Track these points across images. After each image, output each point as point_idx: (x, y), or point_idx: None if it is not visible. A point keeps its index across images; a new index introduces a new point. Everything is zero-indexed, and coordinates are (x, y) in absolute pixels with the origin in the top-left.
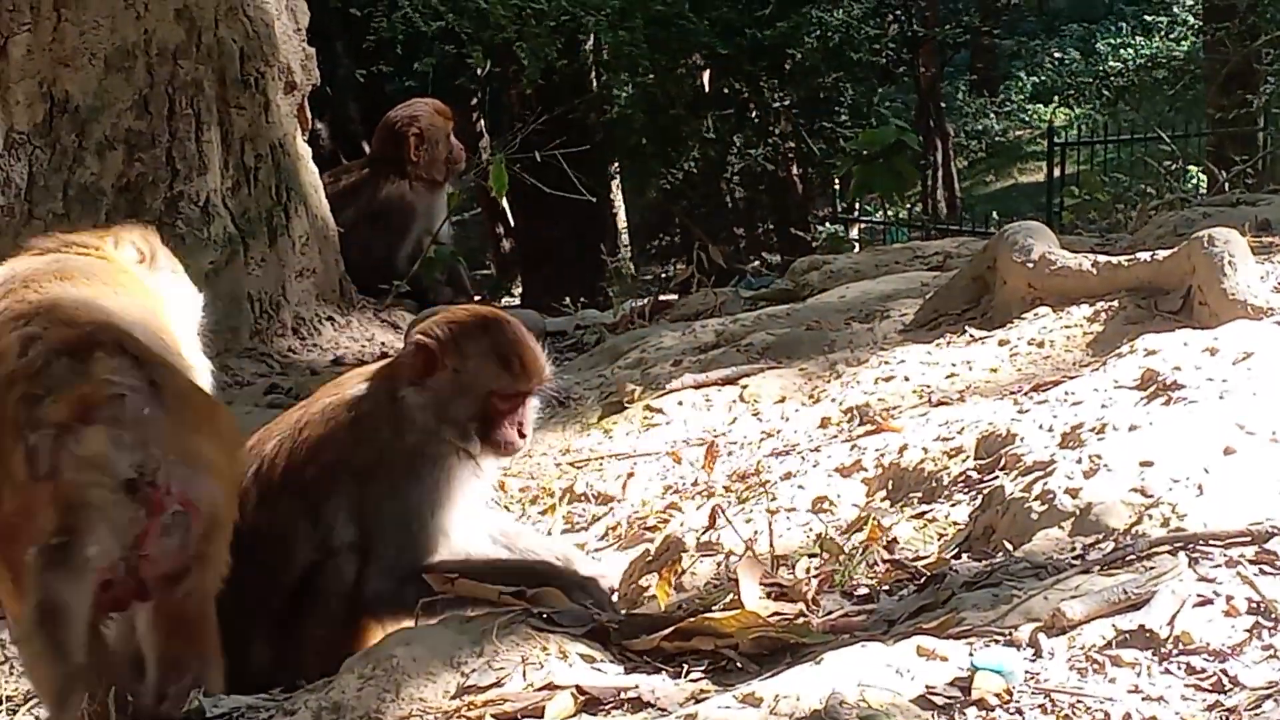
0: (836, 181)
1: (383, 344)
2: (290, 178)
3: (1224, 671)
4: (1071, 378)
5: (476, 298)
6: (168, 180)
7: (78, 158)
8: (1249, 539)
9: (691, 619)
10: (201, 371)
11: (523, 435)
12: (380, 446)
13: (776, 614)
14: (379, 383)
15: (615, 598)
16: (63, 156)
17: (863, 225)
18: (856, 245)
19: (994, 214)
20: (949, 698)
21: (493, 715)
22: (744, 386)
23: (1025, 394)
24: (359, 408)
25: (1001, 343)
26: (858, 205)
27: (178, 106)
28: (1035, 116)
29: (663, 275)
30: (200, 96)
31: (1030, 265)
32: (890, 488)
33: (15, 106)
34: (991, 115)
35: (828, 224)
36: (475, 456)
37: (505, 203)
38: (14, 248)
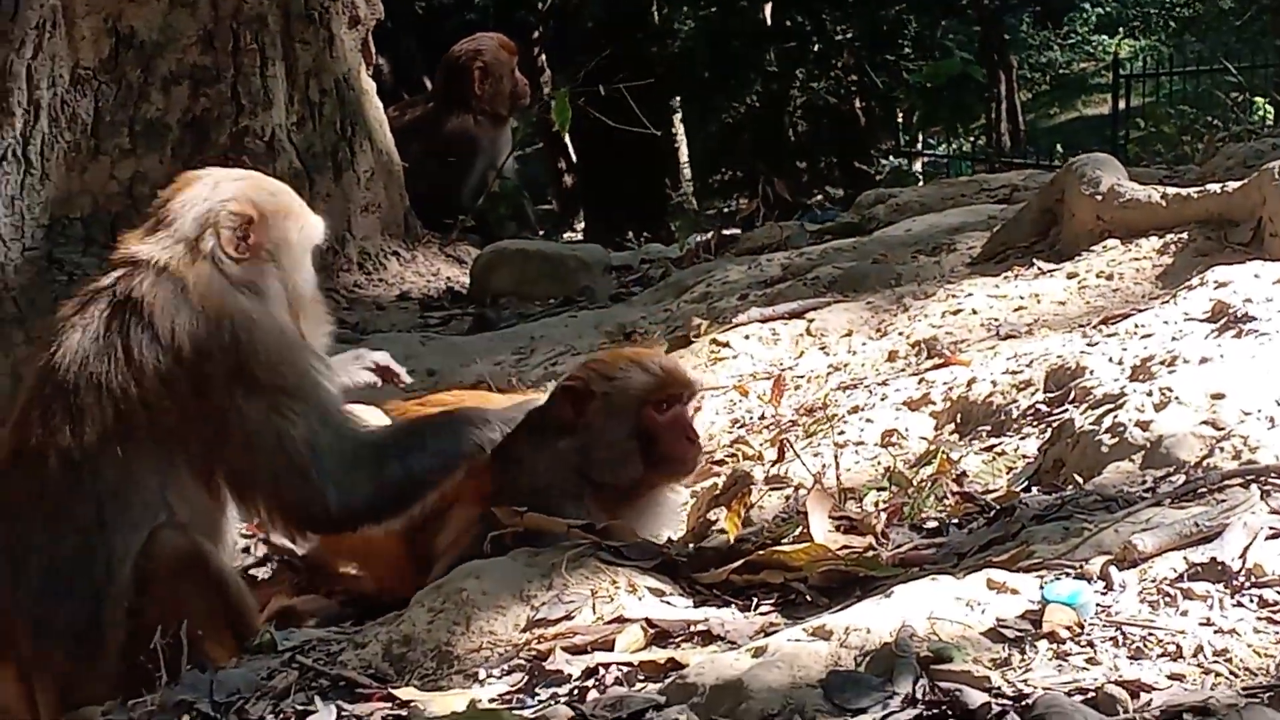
0: (899, 115)
1: (448, 278)
2: (355, 113)
3: None
4: (1141, 310)
5: (540, 233)
6: (233, 115)
7: (143, 93)
8: None
9: (760, 552)
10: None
11: (691, 440)
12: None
13: (845, 547)
14: (528, 428)
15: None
16: (128, 92)
17: (925, 159)
18: (920, 179)
19: (1058, 147)
20: (1020, 631)
21: (563, 648)
22: (810, 320)
23: (1094, 327)
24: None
25: (1070, 275)
26: (920, 138)
27: (242, 41)
28: (1100, 48)
29: (725, 210)
30: (265, 31)
31: (1099, 198)
32: (958, 421)
33: (81, 42)
34: (1055, 47)
35: (890, 157)
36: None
37: (567, 138)
38: (80, 183)
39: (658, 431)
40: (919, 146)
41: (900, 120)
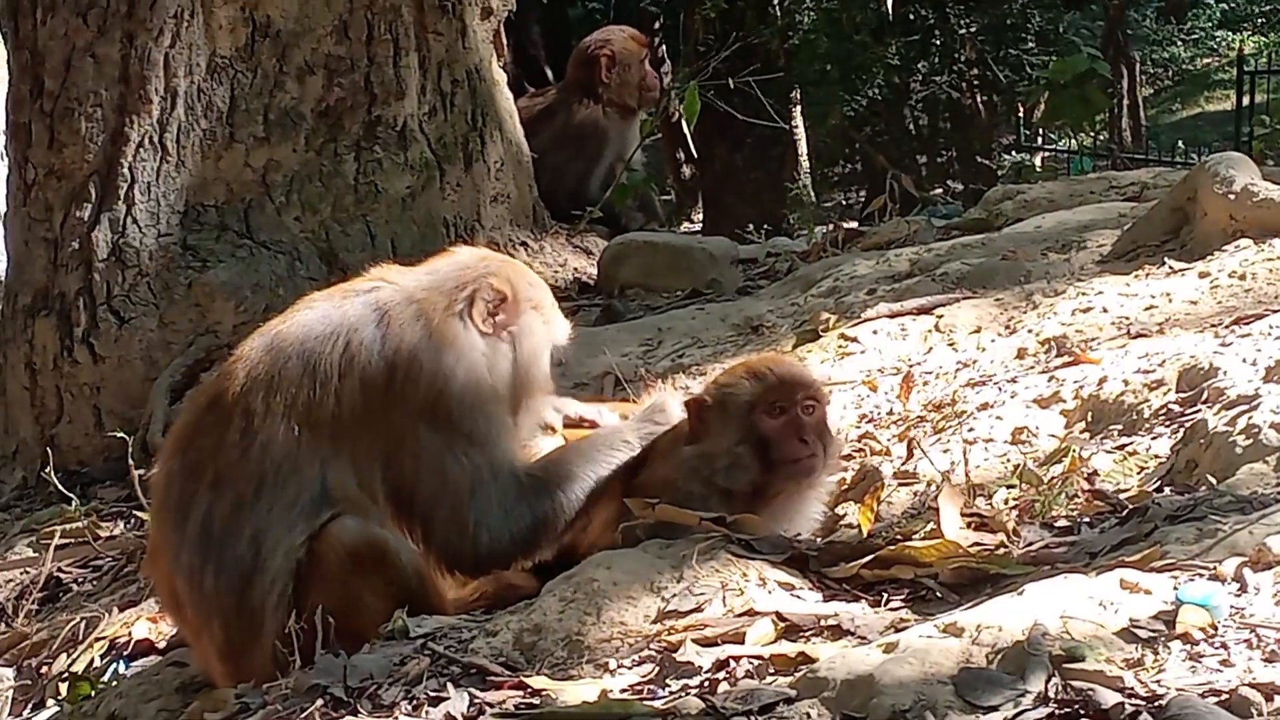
0: (1020, 109)
1: (575, 269)
2: (486, 103)
3: None
4: (1275, 311)
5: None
6: (366, 105)
7: (278, 82)
8: None
9: (891, 548)
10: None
11: (804, 441)
12: None
13: (976, 544)
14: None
15: None
16: (264, 80)
17: (1045, 154)
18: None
19: (1179, 144)
20: (1153, 631)
21: (693, 640)
22: (939, 316)
23: (1227, 327)
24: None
25: (1202, 275)
26: (1041, 134)
27: (376, 31)
28: (1223, 44)
29: (844, 202)
30: (399, 21)
31: (1232, 197)
32: (1089, 419)
33: (218, 31)
34: (1179, 42)
35: (1012, 152)
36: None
37: (687, 129)
38: (215, 171)
39: (769, 435)
40: (1039, 141)
41: (1020, 115)
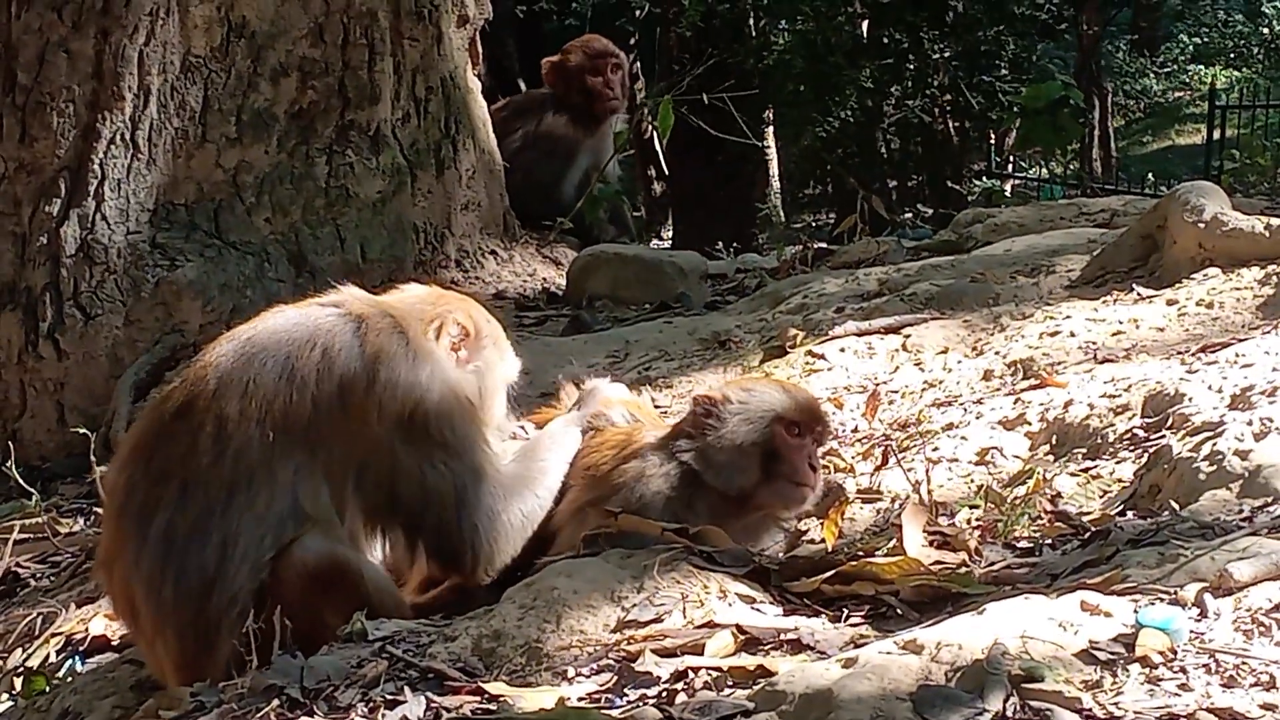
0: (991, 136)
1: (544, 279)
2: (460, 111)
3: None
4: (1241, 340)
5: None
6: (339, 109)
7: (252, 83)
8: None
9: (853, 563)
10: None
11: (814, 469)
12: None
13: (938, 562)
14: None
15: None
16: (237, 81)
17: (1016, 180)
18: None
19: (1149, 175)
20: (1112, 653)
21: (652, 650)
22: (907, 336)
23: (1194, 354)
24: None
25: (1170, 302)
26: (1011, 161)
27: (352, 35)
28: (1195, 78)
29: (813, 224)
30: (374, 26)
31: (1202, 225)
32: (1054, 442)
33: (193, 30)
34: (1151, 75)
35: (983, 178)
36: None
37: (659, 145)
38: (186, 170)
39: (783, 450)
40: (1010, 169)
41: (992, 141)
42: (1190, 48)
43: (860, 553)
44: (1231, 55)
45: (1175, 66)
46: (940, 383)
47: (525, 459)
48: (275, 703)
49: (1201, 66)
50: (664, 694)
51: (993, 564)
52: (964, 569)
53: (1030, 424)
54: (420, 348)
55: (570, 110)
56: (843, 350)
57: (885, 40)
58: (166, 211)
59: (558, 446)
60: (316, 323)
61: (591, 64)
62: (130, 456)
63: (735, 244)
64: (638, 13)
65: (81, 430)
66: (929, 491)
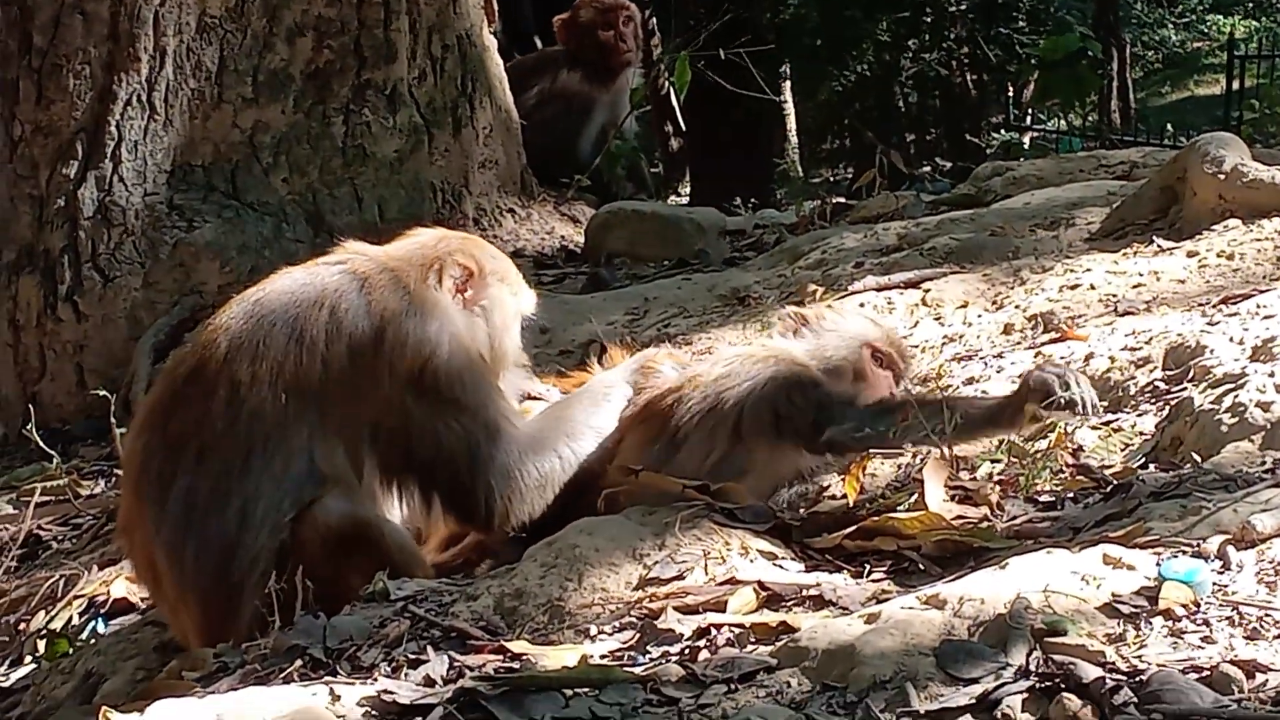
0: (1010, 88)
1: (562, 237)
2: (476, 69)
3: None
4: (1262, 291)
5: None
6: (355, 68)
7: (268, 43)
8: None
9: (874, 519)
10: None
11: (892, 395)
12: None
13: (960, 517)
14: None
15: None
16: (253, 41)
17: (1034, 133)
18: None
19: (1168, 126)
20: (1135, 607)
21: (674, 607)
22: (926, 290)
23: (1215, 306)
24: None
25: (1190, 254)
26: (1030, 113)
27: None
28: (1214, 28)
29: (830, 179)
30: None
31: (1222, 177)
32: None
33: None
34: (1169, 25)
35: (1001, 131)
36: None
37: (675, 101)
38: (203, 130)
39: (867, 374)
40: (1028, 121)
41: (1010, 94)
42: None
43: (882, 508)
44: (1250, 4)
45: (1194, 16)
46: (960, 337)
47: (551, 417)
48: (298, 663)
49: (1220, 16)
50: (686, 651)
51: (1014, 518)
52: (986, 523)
53: None
54: (424, 300)
55: (585, 66)
56: (862, 305)
57: None
58: (184, 173)
59: (595, 404)
60: (323, 283)
61: (603, 18)
62: (145, 423)
63: (753, 200)
64: None
65: (101, 392)
66: (951, 445)
